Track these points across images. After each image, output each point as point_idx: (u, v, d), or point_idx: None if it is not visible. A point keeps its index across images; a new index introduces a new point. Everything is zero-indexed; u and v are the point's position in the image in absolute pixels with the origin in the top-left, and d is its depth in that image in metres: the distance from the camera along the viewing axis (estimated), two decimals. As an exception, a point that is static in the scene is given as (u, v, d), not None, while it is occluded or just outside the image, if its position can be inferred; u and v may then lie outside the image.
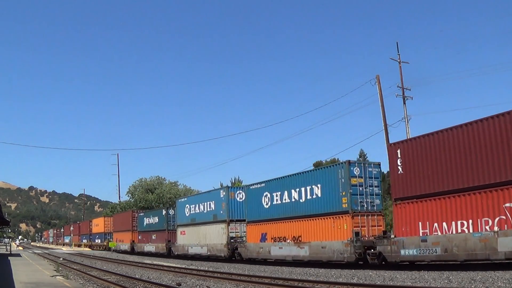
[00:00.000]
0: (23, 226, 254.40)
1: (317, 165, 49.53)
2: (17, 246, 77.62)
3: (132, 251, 46.66)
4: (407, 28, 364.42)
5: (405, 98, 33.78)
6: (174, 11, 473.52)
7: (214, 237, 30.13)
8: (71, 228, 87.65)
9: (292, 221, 23.33)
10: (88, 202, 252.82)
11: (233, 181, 55.46)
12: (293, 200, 23.44)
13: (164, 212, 39.38)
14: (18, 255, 37.97)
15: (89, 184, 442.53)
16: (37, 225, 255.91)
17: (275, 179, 25.19)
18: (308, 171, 23.48)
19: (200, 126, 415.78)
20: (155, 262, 29.12)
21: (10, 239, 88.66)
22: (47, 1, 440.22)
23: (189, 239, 33.65)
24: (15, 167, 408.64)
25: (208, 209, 31.35)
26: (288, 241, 23.47)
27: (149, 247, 42.11)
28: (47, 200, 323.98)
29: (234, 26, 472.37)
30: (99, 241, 61.61)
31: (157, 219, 40.63)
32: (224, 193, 29.85)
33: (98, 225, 63.02)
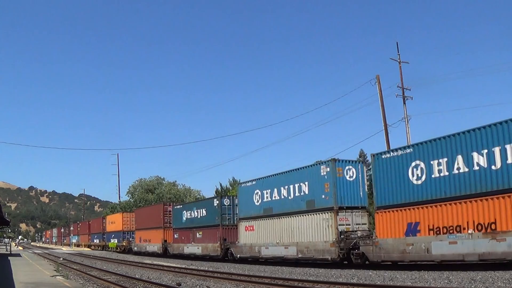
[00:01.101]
0: (23, 226, 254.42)
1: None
2: (16, 245, 77.51)
3: (165, 253, 37.99)
4: (407, 28, 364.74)
5: (405, 98, 33.78)
6: (174, 11, 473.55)
7: (309, 232, 21.85)
8: (79, 227, 79.11)
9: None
10: (88, 202, 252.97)
11: (231, 182, 55.52)
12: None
13: (216, 202, 30.90)
14: (18, 255, 37.95)
15: (89, 184, 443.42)
16: (37, 225, 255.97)
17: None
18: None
19: (200, 126, 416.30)
20: (155, 262, 29.06)
21: (10, 239, 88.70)
22: (47, 1, 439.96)
23: (262, 236, 25.49)
24: (15, 167, 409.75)
25: (297, 194, 22.92)
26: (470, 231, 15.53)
27: (192, 248, 33.36)
28: (47, 200, 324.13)
29: (234, 27, 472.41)
30: (116, 241, 53.49)
31: (204, 212, 32.41)
32: (327, 169, 21.29)
33: (115, 222, 54.30)
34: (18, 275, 16.72)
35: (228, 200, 30.80)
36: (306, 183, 22.46)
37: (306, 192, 22.44)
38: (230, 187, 53.60)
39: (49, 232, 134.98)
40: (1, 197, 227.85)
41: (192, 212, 34.31)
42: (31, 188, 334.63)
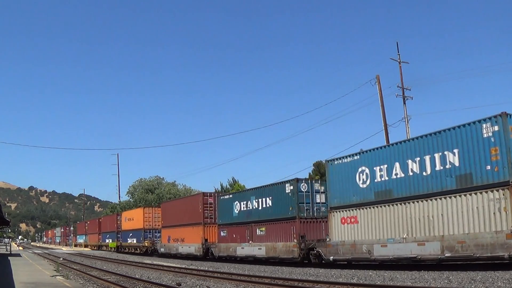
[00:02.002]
0: (23, 226, 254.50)
1: (317, 165, 49.42)
2: (17, 245, 77.53)
3: (205, 256, 31.06)
4: (407, 28, 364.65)
5: (405, 98, 33.79)
6: (174, 12, 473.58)
7: (463, 221, 15.61)
8: (86, 226, 71.96)
9: None
10: (88, 202, 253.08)
11: (230, 182, 55.54)
12: None
13: (289, 188, 23.91)
14: (18, 255, 37.96)
15: (89, 184, 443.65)
16: (37, 225, 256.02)
17: None
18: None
19: (200, 126, 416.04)
20: (155, 262, 29.03)
21: (10, 239, 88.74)
22: (47, 2, 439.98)
23: (372, 230, 18.90)
24: (15, 167, 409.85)
25: (439, 167, 16.64)
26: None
27: (250, 249, 26.20)
28: (47, 200, 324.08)
29: (234, 27, 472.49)
30: (135, 241, 45.60)
31: (269, 202, 25.39)
32: (493, 128, 15.11)
33: (133, 219, 46.82)
34: (18, 275, 16.72)
35: (305, 185, 23.85)
36: (456, 151, 16.14)
37: (456, 164, 16.12)
38: (230, 188, 53.58)
39: (52, 232, 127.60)
40: (1, 197, 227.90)
41: (249, 203, 27.19)
42: (31, 188, 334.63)
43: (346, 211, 20.30)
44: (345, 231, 20.19)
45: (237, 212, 28.22)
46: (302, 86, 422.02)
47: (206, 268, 22.75)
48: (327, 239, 21.11)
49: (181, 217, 34.91)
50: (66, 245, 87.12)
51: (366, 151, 19.89)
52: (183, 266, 25.39)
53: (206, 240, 31.17)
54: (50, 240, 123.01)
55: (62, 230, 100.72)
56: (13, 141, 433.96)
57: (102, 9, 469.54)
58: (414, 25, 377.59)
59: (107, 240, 56.91)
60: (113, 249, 53.54)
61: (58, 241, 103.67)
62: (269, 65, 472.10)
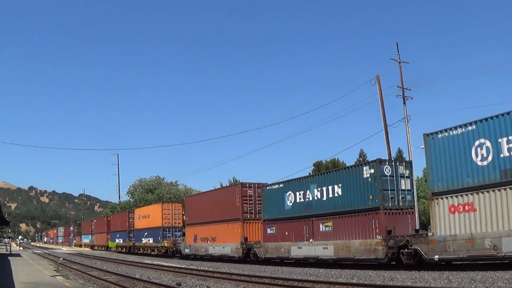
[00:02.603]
0: (23, 226, 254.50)
1: (317, 165, 49.38)
2: (18, 246, 77.55)
3: (245, 257, 26.87)
4: (407, 28, 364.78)
5: (405, 98, 33.69)
6: (174, 11, 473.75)
7: None
8: (93, 225, 67.72)
9: None
10: (88, 202, 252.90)
11: (231, 182, 55.60)
12: None
13: (368, 172, 19.65)
14: (18, 255, 37.96)
15: (89, 184, 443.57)
16: (37, 225, 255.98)
17: None
18: None
19: (199, 126, 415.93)
20: (155, 262, 29.05)
21: (10, 239, 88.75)
22: (47, 2, 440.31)
23: (495, 219, 15.00)
24: (15, 167, 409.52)
25: None
26: None
27: (310, 249, 21.95)
28: (47, 200, 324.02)
29: (234, 27, 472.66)
30: (151, 241, 40.99)
31: (338, 191, 20.99)
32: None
33: (149, 216, 42.14)
34: (18, 275, 16.71)
35: (389, 167, 19.54)
36: None
37: None
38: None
39: (54, 232, 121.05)
40: (1, 197, 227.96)
41: (308, 193, 22.77)
42: (31, 188, 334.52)
43: (457, 196, 16.14)
44: (457, 222, 15.98)
45: (291, 204, 23.89)
46: (302, 86, 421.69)
47: (206, 268, 22.75)
48: (430, 234, 16.97)
49: (211, 212, 30.68)
50: (68, 246, 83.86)
51: (486, 119, 15.63)
52: (183, 266, 25.39)
53: (245, 239, 26.88)
54: (52, 240, 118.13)
55: (69, 229, 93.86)
56: (13, 141, 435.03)
57: (101, 8, 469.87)
58: (414, 25, 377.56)
59: (117, 240, 53.02)
60: (113, 249, 53.19)
61: (61, 241, 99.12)
62: (269, 65, 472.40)
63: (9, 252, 41.53)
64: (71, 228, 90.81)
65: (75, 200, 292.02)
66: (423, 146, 18.32)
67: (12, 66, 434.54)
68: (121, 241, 50.82)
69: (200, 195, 36.18)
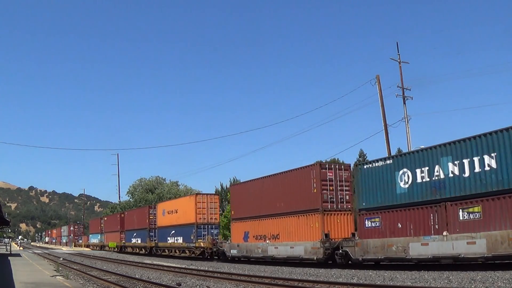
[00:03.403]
0: (23, 226, 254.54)
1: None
2: (18, 246, 77.51)
3: (327, 260, 21.20)
4: (407, 28, 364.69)
5: (405, 98, 33.77)
6: (174, 11, 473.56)
7: None
8: (102, 223, 60.84)
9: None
10: (88, 202, 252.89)
11: (232, 182, 55.57)
12: None
13: None
14: (18, 255, 37.96)
15: (89, 184, 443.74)
16: (37, 225, 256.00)
17: None
18: None
19: (199, 126, 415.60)
20: (155, 262, 29.03)
21: (10, 239, 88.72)
22: (47, 3, 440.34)
23: None
24: (15, 167, 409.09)
25: None
26: None
27: (443, 245, 16.30)
28: (47, 200, 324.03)
29: (234, 26, 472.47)
30: (181, 240, 35.11)
31: (489, 162, 15.40)
32: None
33: (177, 211, 36.23)
34: (18, 275, 16.71)
35: None
36: None
37: None
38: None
39: (56, 231, 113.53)
40: (1, 197, 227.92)
41: (436, 169, 17.17)
42: (31, 188, 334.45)
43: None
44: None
45: (406, 186, 18.15)
46: (302, 86, 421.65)
47: (206, 268, 22.75)
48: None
49: (271, 203, 24.90)
50: (74, 246, 77.62)
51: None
52: (183, 266, 25.39)
53: (326, 235, 21.13)
54: (54, 240, 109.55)
55: (71, 228, 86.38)
56: (13, 141, 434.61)
57: (101, 7, 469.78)
58: (414, 25, 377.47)
59: (133, 240, 45.99)
60: (113, 249, 52.72)
61: (65, 241, 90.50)
62: (269, 64, 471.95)
63: (9, 252, 41.52)
64: (76, 227, 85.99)
65: (75, 200, 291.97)
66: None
67: (12, 66, 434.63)
68: (139, 241, 44.04)
69: (253, 182, 27.60)
